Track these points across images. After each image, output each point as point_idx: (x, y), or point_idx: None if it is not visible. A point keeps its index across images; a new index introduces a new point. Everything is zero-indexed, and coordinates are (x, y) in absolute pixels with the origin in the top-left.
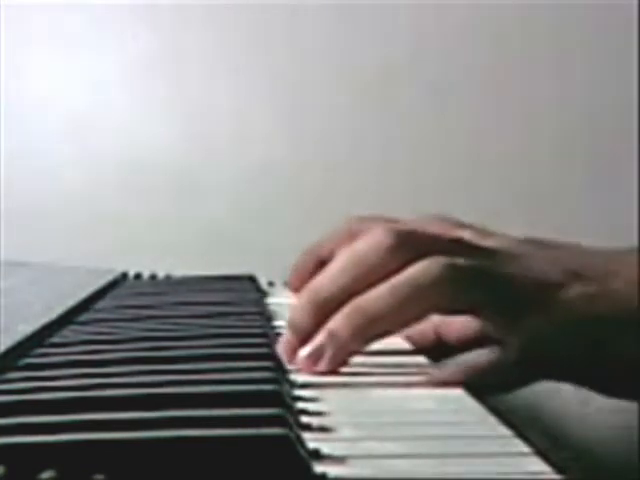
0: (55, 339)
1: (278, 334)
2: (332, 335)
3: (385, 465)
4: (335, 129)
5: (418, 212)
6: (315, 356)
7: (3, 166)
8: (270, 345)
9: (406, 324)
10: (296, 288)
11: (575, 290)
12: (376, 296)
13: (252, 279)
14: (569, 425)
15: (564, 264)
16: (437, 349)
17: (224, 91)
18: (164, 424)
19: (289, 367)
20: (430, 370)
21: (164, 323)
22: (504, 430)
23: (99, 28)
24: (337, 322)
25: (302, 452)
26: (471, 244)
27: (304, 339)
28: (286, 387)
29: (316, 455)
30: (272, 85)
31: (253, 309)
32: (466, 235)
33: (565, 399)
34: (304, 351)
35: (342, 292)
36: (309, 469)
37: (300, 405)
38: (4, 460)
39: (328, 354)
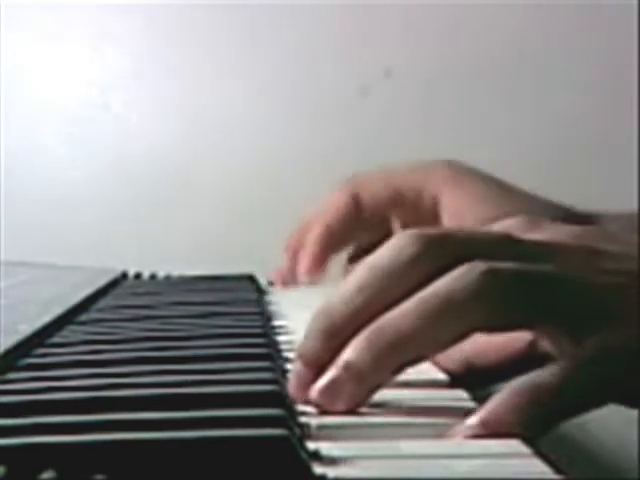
0: (55, 339)
1: (278, 333)
2: (349, 366)
3: (385, 466)
4: (331, 130)
5: None
6: (331, 393)
7: (3, 165)
8: (270, 345)
9: (439, 348)
10: (278, 282)
11: None
12: (400, 315)
13: (252, 279)
14: (567, 425)
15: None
16: (467, 374)
17: (221, 93)
18: (164, 425)
19: (300, 406)
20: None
21: (164, 323)
22: None
23: (99, 28)
24: (354, 350)
25: (302, 453)
26: (519, 240)
27: (317, 372)
28: (286, 388)
29: (316, 456)
30: (267, 87)
31: (253, 309)
32: (512, 226)
33: None
34: (317, 386)
35: (359, 313)
36: (309, 470)
37: (300, 405)
38: (4, 460)
39: (346, 390)
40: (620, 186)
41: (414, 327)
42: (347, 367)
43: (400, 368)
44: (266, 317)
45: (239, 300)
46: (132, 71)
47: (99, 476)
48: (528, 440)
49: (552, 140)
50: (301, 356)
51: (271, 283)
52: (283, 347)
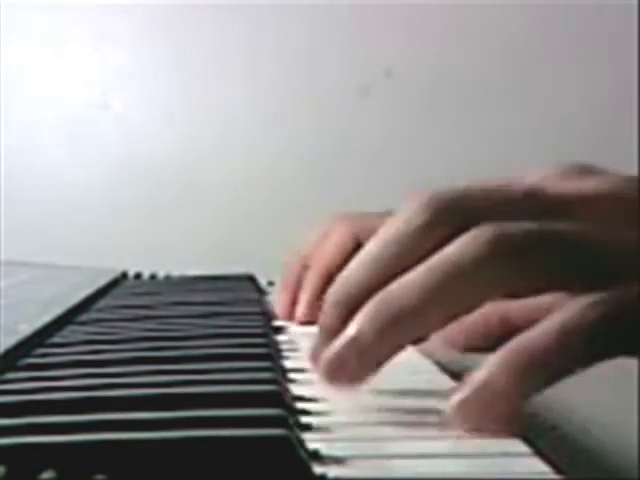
0: (55, 339)
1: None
2: (352, 340)
3: (385, 466)
4: (332, 130)
5: None
6: (336, 367)
7: (3, 165)
8: (270, 345)
9: (448, 319)
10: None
11: None
12: (405, 285)
13: (252, 279)
14: (567, 425)
15: None
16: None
17: (221, 94)
18: (164, 424)
19: (300, 406)
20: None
21: (164, 323)
22: None
23: (99, 28)
24: (358, 324)
25: (302, 453)
26: (540, 197)
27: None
28: (286, 387)
29: (316, 456)
30: (268, 87)
31: (253, 309)
32: (546, 177)
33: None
34: (323, 359)
35: (371, 283)
36: (309, 470)
37: (300, 405)
38: (4, 460)
39: (349, 365)
40: None
41: (417, 301)
42: (351, 341)
43: (405, 342)
44: (266, 317)
45: (239, 300)
46: (132, 71)
47: (99, 476)
48: (528, 440)
49: (552, 140)
50: (321, 327)
51: (271, 283)
52: (283, 347)
